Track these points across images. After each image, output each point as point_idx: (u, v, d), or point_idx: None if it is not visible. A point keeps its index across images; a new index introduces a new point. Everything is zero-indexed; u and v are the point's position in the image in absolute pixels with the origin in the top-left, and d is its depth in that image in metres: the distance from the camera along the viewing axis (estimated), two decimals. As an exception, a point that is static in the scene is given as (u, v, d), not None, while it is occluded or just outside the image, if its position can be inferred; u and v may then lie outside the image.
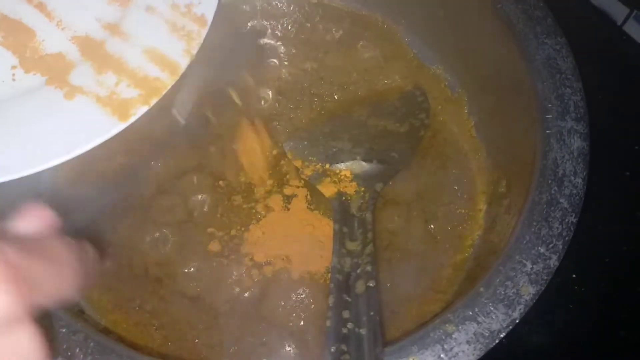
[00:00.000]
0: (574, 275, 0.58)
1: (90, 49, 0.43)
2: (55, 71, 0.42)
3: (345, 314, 0.43)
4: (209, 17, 0.44)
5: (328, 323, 0.43)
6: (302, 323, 0.50)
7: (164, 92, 0.40)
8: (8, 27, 0.44)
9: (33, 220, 0.31)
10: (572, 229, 0.43)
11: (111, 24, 0.44)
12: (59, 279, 0.28)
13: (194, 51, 0.42)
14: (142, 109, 0.39)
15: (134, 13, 0.44)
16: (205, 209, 0.55)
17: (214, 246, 0.53)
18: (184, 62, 0.41)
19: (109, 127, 0.39)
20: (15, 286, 0.24)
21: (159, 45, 0.42)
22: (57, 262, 0.29)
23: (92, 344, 0.38)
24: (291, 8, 0.67)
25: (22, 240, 0.29)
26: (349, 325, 0.42)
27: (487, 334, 0.39)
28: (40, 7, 0.45)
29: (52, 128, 0.39)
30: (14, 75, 0.42)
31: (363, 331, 0.42)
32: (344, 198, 0.54)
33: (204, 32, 0.43)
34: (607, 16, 0.73)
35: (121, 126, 0.39)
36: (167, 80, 0.41)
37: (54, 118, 0.39)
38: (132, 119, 0.39)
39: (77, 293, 0.30)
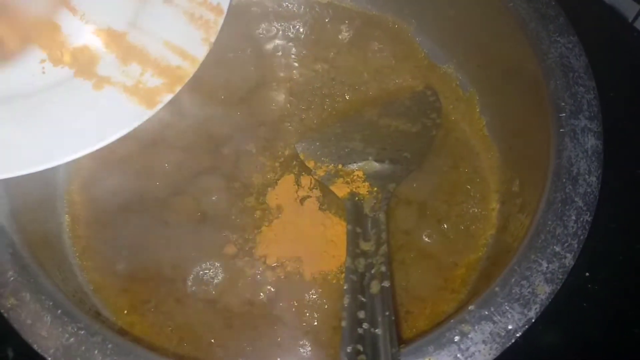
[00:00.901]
0: (587, 274, 0.58)
1: (114, 41, 0.44)
2: (82, 63, 0.43)
3: (361, 315, 0.43)
4: (225, 6, 0.44)
5: (343, 324, 0.43)
6: (315, 323, 0.50)
7: (187, 80, 0.42)
8: (35, 22, 0.45)
9: None
10: (587, 227, 0.43)
11: (132, 15, 0.45)
12: None
13: (212, 39, 0.44)
14: (168, 97, 0.41)
15: (153, 4, 0.45)
16: (219, 210, 0.55)
17: (228, 248, 0.53)
18: (203, 51, 0.42)
19: (138, 115, 0.40)
20: None
21: (179, 35, 0.44)
22: None
23: (110, 346, 0.39)
24: (302, 9, 0.68)
25: None
26: (365, 325, 0.42)
27: (503, 334, 0.39)
28: (64, 1, 0.46)
29: (83, 118, 0.41)
30: (43, 68, 0.44)
31: (379, 331, 0.42)
32: (356, 198, 0.54)
33: (220, 20, 0.44)
34: (618, 13, 0.72)
35: (149, 113, 0.40)
36: (189, 69, 0.42)
37: (85, 108, 0.41)
38: (159, 107, 0.41)
39: None
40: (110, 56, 0.43)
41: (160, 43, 0.43)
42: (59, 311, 0.40)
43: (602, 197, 0.45)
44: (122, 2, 0.46)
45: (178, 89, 0.42)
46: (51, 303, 0.40)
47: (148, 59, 0.43)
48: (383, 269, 0.47)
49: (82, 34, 0.45)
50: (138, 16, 0.45)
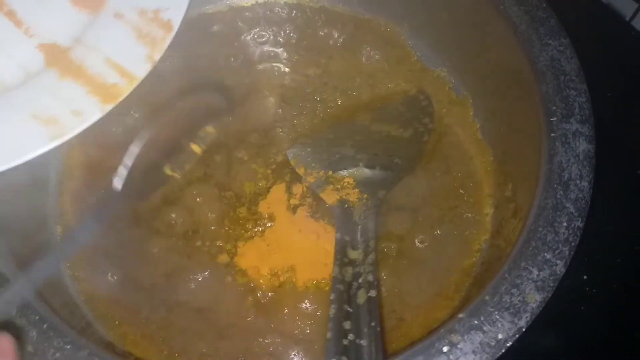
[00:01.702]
0: (585, 277, 0.57)
1: (55, 56, 0.43)
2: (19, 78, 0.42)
3: (346, 325, 0.43)
4: (176, 22, 0.43)
5: (329, 335, 0.42)
6: (308, 332, 0.50)
7: (120, 99, 0.40)
8: None
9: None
10: (578, 234, 0.43)
11: (79, 31, 0.44)
12: None
13: (157, 57, 0.42)
14: (96, 116, 0.39)
15: (104, 19, 0.44)
16: (211, 219, 0.55)
17: (221, 258, 0.53)
18: (144, 69, 0.41)
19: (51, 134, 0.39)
20: None
21: (123, 51, 0.42)
22: None
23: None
24: (293, 14, 0.67)
25: None
26: (350, 336, 0.42)
27: (493, 344, 0.39)
28: (10, 14, 0.45)
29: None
30: None
31: (364, 342, 0.41)
32: (346, 205, 0.54)
33: (169, 37, 0.43)
34: (615, 11, 0.72)
35: (71, 132, 0.39)
36: (125, 87, 0.41)
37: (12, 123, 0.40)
38: (85, 125, 0.39)
39: None
40: (49, 71, 0.42)
41: (102, 60, 0.42)
42: (45, 325, 0.39)
43: (599, 199, 0.45)
44: (72, 17, 0.45)
45: (109, 107, 0.40)
46: (37, 317, 0.40)
47: (85, 75, 0.41)
48: (370, 278, 0.46)
49: (24, 48, 0.44)
50: (86, 31, 0.44)
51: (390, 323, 0.51)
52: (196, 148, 0.50)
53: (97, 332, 0.49)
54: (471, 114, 0.61)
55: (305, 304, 0.51)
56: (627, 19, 0.71)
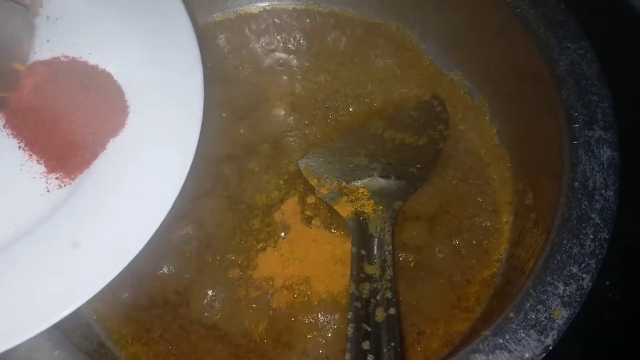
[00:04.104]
0: (607, 283, 0.56)
1: None
2: None
3: (365, 345, 0.42)
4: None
5: (347, 356, 0.41)
6: (324, 348, 0.49)
7: None
8: None
9: None
10: (605, 245, 0.41)
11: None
12: None
13: None
14: None
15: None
16: (223, 233, 0.54)
17: (233, 272, 0.52)
18: None
19: None
20: None
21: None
22: None
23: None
24: (302, 19, 0.66)
25: None
26: (369, 357, 0.41)
27: (519, 363, 0.37)
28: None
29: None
30: None
31: (384, 364, 0.40)
32: (361, 218, 0.52)
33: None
34: (637, 11, 0.69)
35: None
36: None
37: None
38: None
39: None
40: None
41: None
42: (56, 352, 0.39)
43: (621, 202, 0.43)
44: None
45: None
46: (49, 344, 0.39)
47: None
48: (389, 295, 0.45)
49: None
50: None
51: (409, 337, 0.50)
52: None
53: (110, 352, 0.48)
54: (487, 118, 0.60)
55: (321, 318, 0.50)
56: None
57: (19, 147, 0.47)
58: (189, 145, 0.45)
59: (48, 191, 0.45)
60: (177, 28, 0.49)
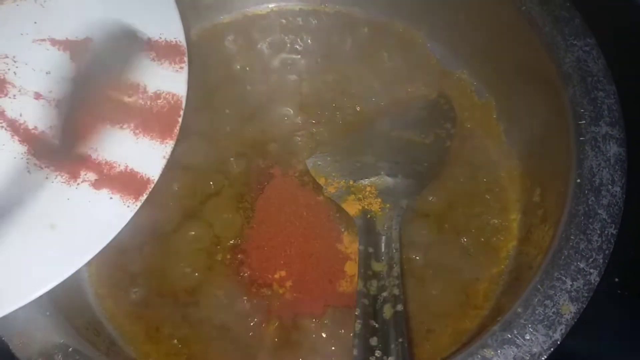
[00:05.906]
0: (616, 279, 0.55)
1: None
2: None
3: (373, 341, 0.42)
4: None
5: (354, 352, 0.41)
6: (334, 347, 0.49)
7: None
8: None
9: None
10: (612, 241, 0.41)
11: None
12: None
13: None
14: None
15: None
16: (232, 233, 0.54)
17: (243, 271, 0.52)
18: None
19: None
20: None
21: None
22: None
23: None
24: (309, 20, 0.66)
25: None
26: (377, 353, 0.41)
27: (527, 358, 0.38)
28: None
29: None
30: None
31: (391, 359, 0.40)
32: (368, 216, 0.53)
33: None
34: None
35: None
36: None
37: None
38: None
39: None
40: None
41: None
42: (70, 349, 0.39)
43: (629, 198, 0.43)
44: None
45: None
46: (62, 341, 0.39)
47: None
48: (396, 291, 0.45)
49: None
50: None
51: (418, 335, 0.50)
52: None
53: (122, 350, 0.49)
54: (494, 116, 0.60)
55: (332, 317, 0.50)
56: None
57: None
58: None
59: (29, 172, 0.45)
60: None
